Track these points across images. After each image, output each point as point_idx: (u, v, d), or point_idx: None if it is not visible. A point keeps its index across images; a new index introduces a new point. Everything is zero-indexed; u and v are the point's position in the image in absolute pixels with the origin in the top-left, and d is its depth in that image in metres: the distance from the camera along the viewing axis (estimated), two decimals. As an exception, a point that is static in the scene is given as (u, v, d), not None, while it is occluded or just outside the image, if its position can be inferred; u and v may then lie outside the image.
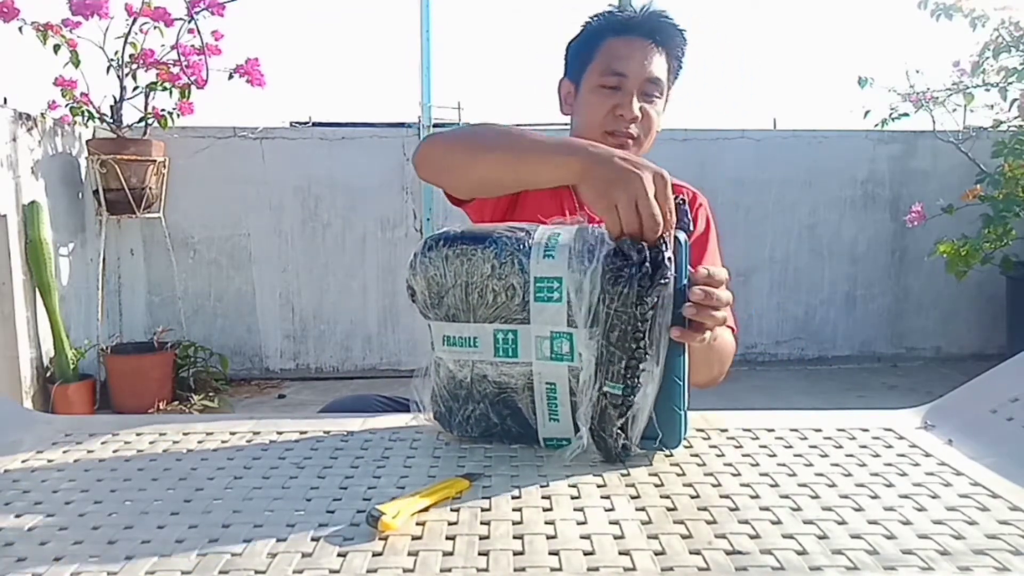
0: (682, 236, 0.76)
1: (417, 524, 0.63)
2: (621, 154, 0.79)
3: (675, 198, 0.77)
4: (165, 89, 3.20)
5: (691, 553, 0.58)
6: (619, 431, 0.74)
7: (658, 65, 1.15)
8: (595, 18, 1.19)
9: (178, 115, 3.26)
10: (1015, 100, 3.64)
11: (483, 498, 0.69)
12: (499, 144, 0.94)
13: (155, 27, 3.10)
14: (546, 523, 0.63)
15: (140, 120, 3.22)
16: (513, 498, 0.69)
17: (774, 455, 0.79)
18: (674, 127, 3.81)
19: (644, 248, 0.72)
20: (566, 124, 1.24)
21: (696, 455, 0.79)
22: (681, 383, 0.75)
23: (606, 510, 0.66)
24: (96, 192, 3.24)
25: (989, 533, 0.61)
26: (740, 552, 0.58)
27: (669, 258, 0.72)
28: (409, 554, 0.58)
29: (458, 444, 0.83)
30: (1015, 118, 3.73)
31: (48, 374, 3.06)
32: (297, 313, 3.74)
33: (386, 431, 0.88)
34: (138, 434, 0.88)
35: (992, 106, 3.78)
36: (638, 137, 1.15)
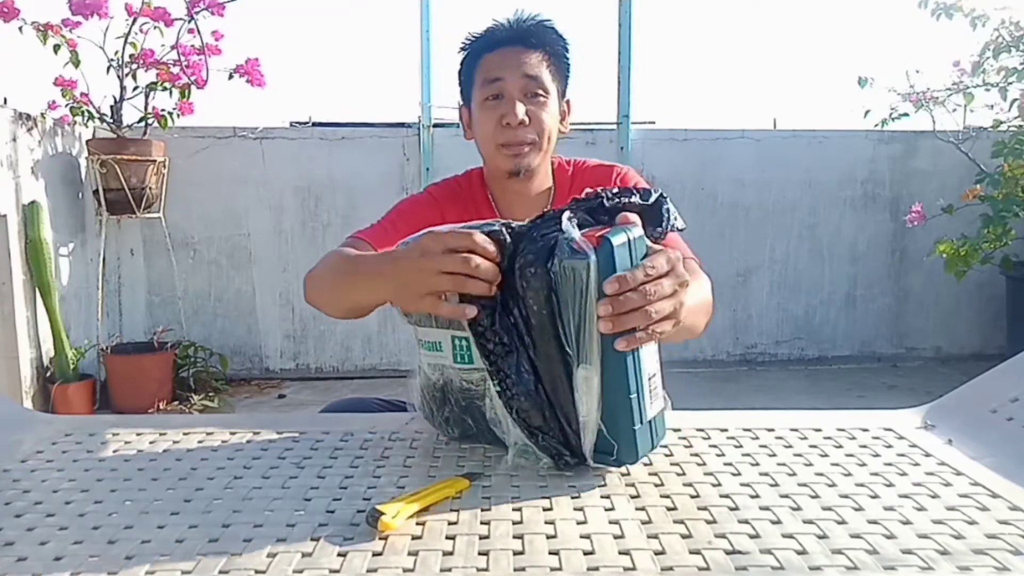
0: (634, 233, 0.70)
1: (417, 524, 0.63)
2: (412, 251, 0.77)
3: (636, 193, 0.75)
4: (165, 89, 3.20)
5: (691, 553, 0.58)
6: (551, 437, 0.72)
7: (533, 64, 1.16)
8: (468, 41, 1.21)
9: (178, 115, 3.26)
10: (1015, 100, 3.64)
11: (483, 498, 0.69)
12: (340, 272, 1.02)
13: (155, 27, 3.10)
14: (546, 523, 0.64)
15: (140, 120, 3.22)
16: (513, 498, 0.69)
17: (774, 455, 0.79)
18: (674, 127, 3.81)
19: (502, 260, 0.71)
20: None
21: (696, 455, 0.79)
22: (633, 396, 0.69)
23: (606, 510, 0.66)
24: (96, 192, 3.24)
25: (989, 533, 0.61)
26: (740, 552, 0.58)
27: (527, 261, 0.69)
28: (409, 554, 0.58)
29: (458, 444, 0.83)
30: (1015, 118, 3.73)
31: (48, 374, 3.06)
32: (297, 313, 3.74)
33: (385, 431, 0.88)
34: (138, 434, 0.88)
35: (992, 106, 3.78)
36: (534, 141, 1.16)
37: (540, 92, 1.16)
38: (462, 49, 1.22)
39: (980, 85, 3.71)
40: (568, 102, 1.25)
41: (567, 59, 1.21)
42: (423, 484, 0.71)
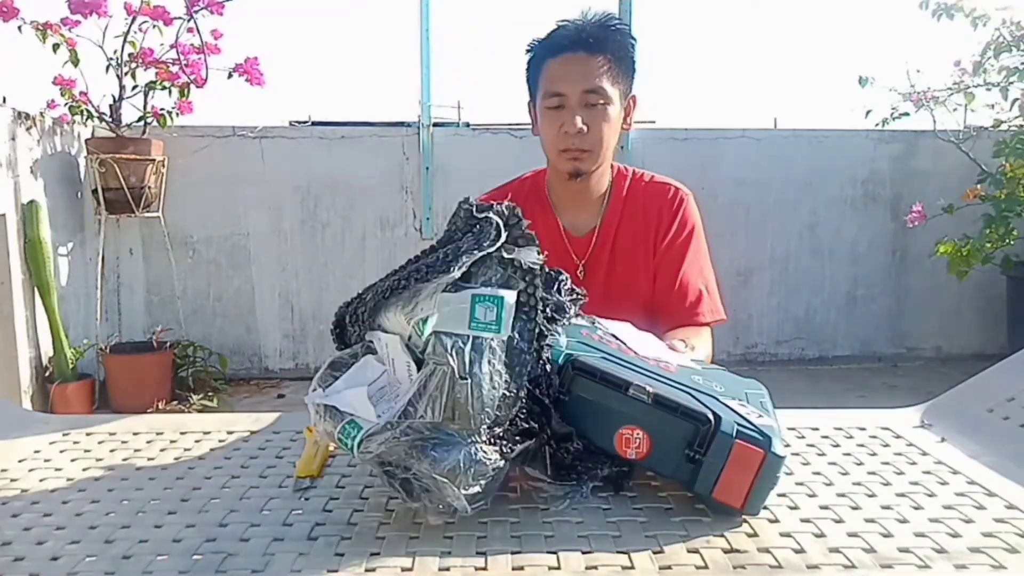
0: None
1: (416, 523, 0.63)
2: None
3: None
4: (164, 88, 3.19)
5: (689, 552, 0.58)
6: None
7: (594, 74, 1.19)
8: (534, 44, 1.25)
9: (177, 114, 3.25)
10: (1016, 99, 3.63)
11: (480, 497, 0.68)
12: None
13: (154, 26, 3.09)
14: (544, 522, 0.63)
15: (139, 119, 3.21)
16: (511, 498, 0.69)
17: (772, 454, 0.79)
18: (674, 127, 3.81)
19: None
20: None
21: (694, 454, 0.79)
22: None
23: (603, 509, 0.66)
24: (95, 191, 3.24)
25: (985, 531, 0.61)
26: (738, 551, 0.58)
27: None
28: (407, 554, 0.58)
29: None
30: (1016, 117, 3.72)
31: (47, 374, 3.06)
32: (296, 313, 3.73)
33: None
34: (135, 433, 0.87)
35: (993, 106, 3.77)
36: (592, 149, 1.22)
37: (600, 102, 1.20)
38: (528, 52, 1.26)
39: (981, 85, 3.70)
40: (634, 98, 1.29)
41: (632, 58, 1.25)
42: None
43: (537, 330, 0.68)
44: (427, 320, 0.65)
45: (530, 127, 1.31)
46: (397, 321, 0.68)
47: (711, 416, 0.66)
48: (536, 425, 0.67)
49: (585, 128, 1.19)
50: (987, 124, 3.80)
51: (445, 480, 0.60)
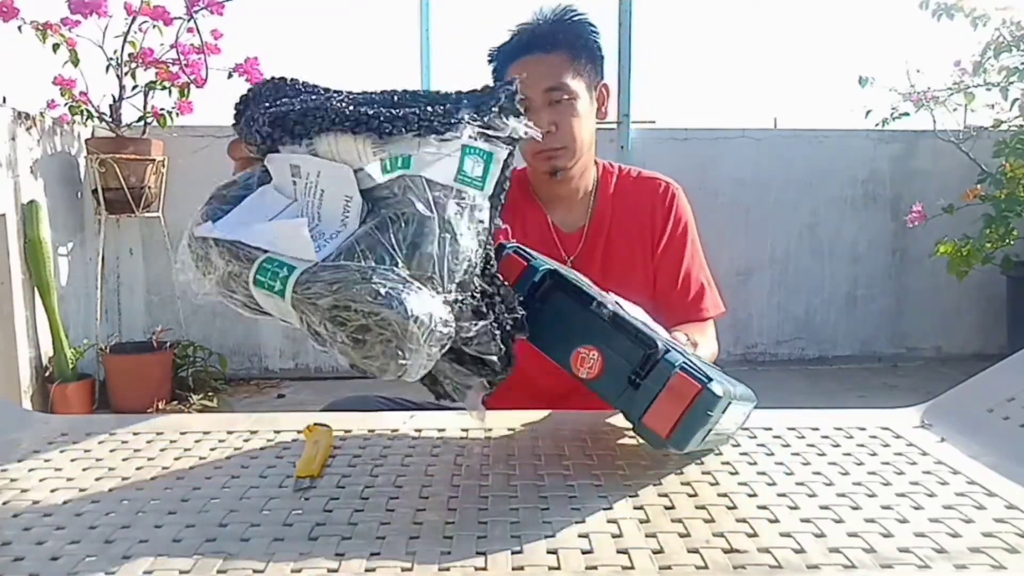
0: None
1: (415, 524, 0.63)
2: None
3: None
4: (164, 88, 3.19)
5: (689, 552, 0.58)
6: None
7: (554, 71, 1.18)
8: (494, 52, 1.25)
9: (177, 114, 3.26)
10: (1016, 99, 3.64)
11: (481, 497, 0.69)
12: None
13: (154, 26, 3.10)
14: (544, 522, 0.63)
15: (139, 119, 3.22)
16: (511, 497, 0.69)
17: (772, 454, 0.79)
18: (674, 127, 3.81)
19: None
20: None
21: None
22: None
23: (604, 508, 0.66)
24: (95, 191, 3.24)
25: (985, 531, 0.61)
26: (738, 551, 0.58)
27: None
28: (407, 554, 0.58)
29: (456, 441, 0.83)
30: (1016, 117, 3.72)
31: (47, 374, 3.06)
32: (297, 312, 3.74)
33: (384, 430, 0.88)
34: (135, 433, 0.87)
35: (993, 106, 3.78)
36: (563, 146, 1.21)
37: (565, 97, 1.19)
38: (489, 61, 1.26)
39: (981, 85, 3.70)
40: (605, 86, 1.28)
41: (594, 47, 1.23)
42: (419, 482, 0.71)
43: (498, 207, 0.66)
44: (409, 159, 0.58)
45: None
46: (351, 150, 0.60)
47: (661, 345, 0.67)
48: (485, 305, 0.63)
49: (554, 128, 1.18)
50: (987, 124, 3.80)
51: (416, 330, 0.55)
